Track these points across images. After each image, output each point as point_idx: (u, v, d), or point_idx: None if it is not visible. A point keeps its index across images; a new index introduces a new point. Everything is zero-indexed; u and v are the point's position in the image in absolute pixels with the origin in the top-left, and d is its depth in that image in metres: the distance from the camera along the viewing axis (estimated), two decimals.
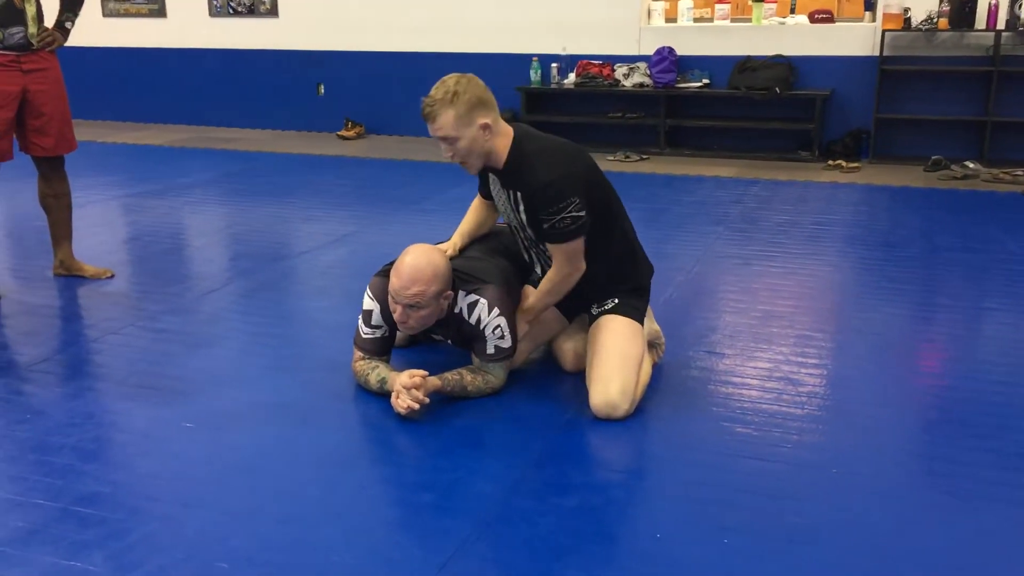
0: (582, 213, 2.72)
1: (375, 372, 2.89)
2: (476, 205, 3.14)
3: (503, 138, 2.76)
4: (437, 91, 2.68)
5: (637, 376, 2.81)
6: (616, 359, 2.78)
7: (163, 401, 2.93)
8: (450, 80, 2.69)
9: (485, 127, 2.69)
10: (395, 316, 2.74)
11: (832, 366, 3.20)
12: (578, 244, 2.79)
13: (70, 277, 4.23)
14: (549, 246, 2.82)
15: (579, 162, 2.81)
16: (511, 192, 2.83)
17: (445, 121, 2.67)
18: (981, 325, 3.68)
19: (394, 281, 2.70)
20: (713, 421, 2.76)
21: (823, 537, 2.18)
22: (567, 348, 3.10)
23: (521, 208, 2.83)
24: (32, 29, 3.85)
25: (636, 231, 3.08)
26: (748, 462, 2.52)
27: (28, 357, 3.33)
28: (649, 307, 3.17)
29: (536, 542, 2.17)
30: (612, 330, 2.86)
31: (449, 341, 2.98)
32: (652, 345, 3.13)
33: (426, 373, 2.74)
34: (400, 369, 2.89)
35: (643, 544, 2.16)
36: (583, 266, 2.85)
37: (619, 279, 2.94)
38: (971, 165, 6.51)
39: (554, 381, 3.07)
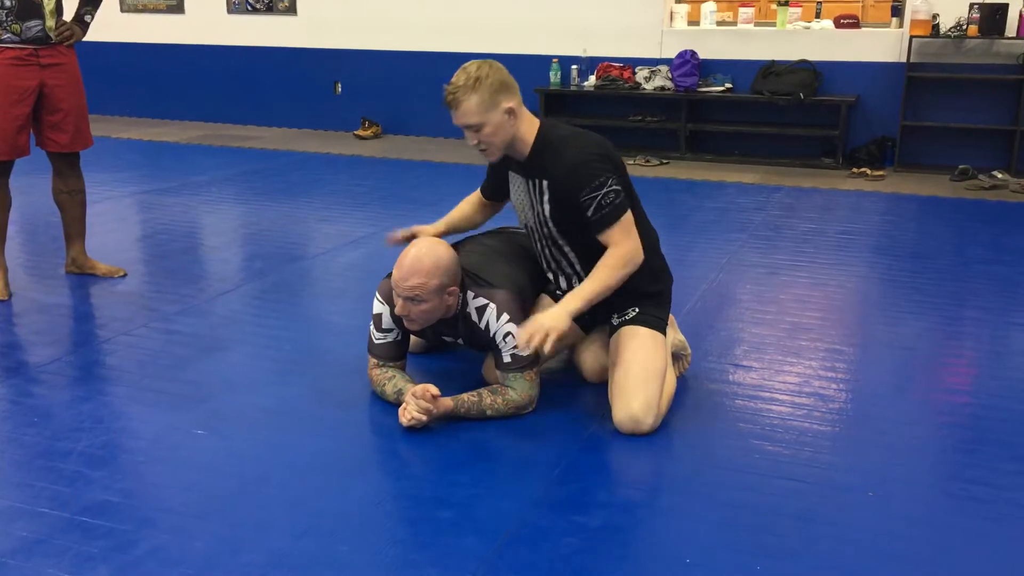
0: (620, 188, 2.65)
1: (391, 382, 2.81)
2: (470, 200, 3.07)
3: (528, 124, 2.71)
4: (459, 77, 2.61)
5: (661, 389, 2.71)
6: (639, 373, 2.69)
7: (174, 406, 2.85)
8: (471, 66, 2.63)
9: (510, 111, 2.65)
10: (396, 309, 2.66)
11: (863, 382, 3.10)
12: (629, 219, 2.68)
13: (82, 275, 4.17)
14: (602, 237, 2.67)
15: (609, 149, 2.76)
16: (535, 182, 2.74)
17: (468, 107, 2.60)
18: (1016, 341, 3.56)
19: (395, 272, 2.64)
20: (742, 439, 2.66)
21: (861, 564, 2.08)
22: (588, 359, 3.01)
23: (545, 199, 2.73)
24: (50, 23, 3.79)
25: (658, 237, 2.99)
26: (780, 483, 2.42)
27: (38, 358, 3.26)
28: (673, 317, 3.08)
29: (559, 563, 2.08)
30: (634, 342, 2.76)
31: (460, 341, 2.89)
32: (677, 356, 3.04)
33: (438, 392, 2.65)
34: (418, 379, 2.81)
35: (672, 569, 2.06)
36: (640, 247, 2.69)
37: (639, 286, 2.83)
38: (999, 175, 6.38)
39: (575, 393, 2.98)
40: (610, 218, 2.65)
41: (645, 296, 2.84)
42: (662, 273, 2.94)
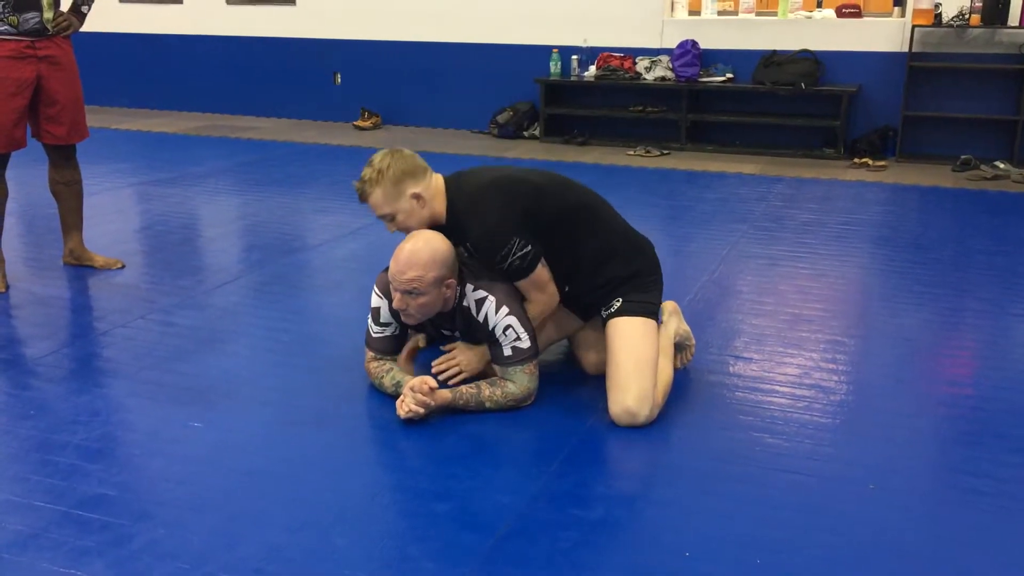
0: (527, 249, 2.67)
1: (390, 375, 2.80)
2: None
3: (439, 199, 2.75)
4: (365, 171, 2.71)
5: (654, 378, 2.69)
6: (629, 364, 2.67)
7: (171, 399, 2.84)
8: (375, 159, 2.72)
9: (416, 197, 2.70)
10: (394, 303, 2.64)
11: (864, 373, 3.08)
12: (538, 275, 2.74)
13: (80, 267, 4.15)
14: (518, 286, 2.79)
15: (512, 197, 2.71)
16: (463, 247, 2.78)
17: (376, 200, 2.69)
18: (1017, 332, 3.54)
19: (392, 266, 2.62)
20: (742, 431, 2.65)
21: (862, 559, 2.06)
22: (588, 353, 3.00)
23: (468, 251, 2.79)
24: (48, 15, 3.77)
25: (658, 227, 2.97)
26: (781, 475, 2.40)
27: (35, 350, 3.24)
28: (677, 306, 3.05)
29: (558, 557, 2.06)
30: (622, 333, 2.74)
31: (457, 334, 2.87)
32: (681, 347, 3.02)
33: (436, 384, 2.65)
34: (417, 372, 2.79)
35: (671, 562, 2.05)
36: (555, 290, 2.81)
37: (615, 274, 2.81)
38: (1001, 165, 6.35)
39: (574, 385, 2.97)
40: (518, 276, 2.73)
41: (624, 282, 2.81)
42: (636, 253, 2.88)
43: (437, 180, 2.77)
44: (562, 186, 2.85)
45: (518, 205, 2.71)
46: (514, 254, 2.66)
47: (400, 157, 2.71)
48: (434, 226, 2.76)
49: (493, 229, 2.66)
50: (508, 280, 2.75)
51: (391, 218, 2.72)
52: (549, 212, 2.75)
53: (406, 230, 2.74)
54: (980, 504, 2.29)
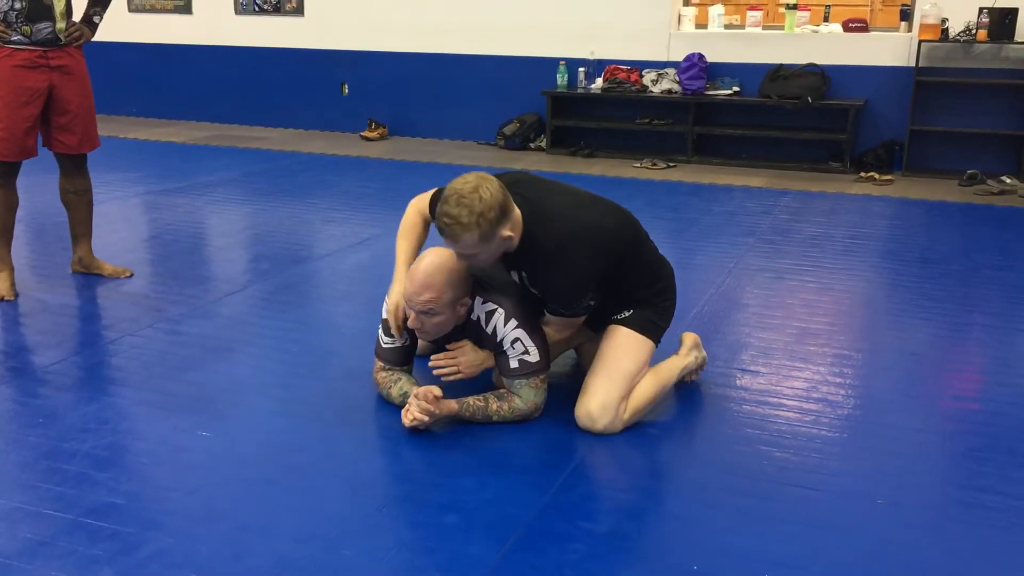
0: (592, 302, 2.75)
1: (397, 385, 2.81)
2: (414, 224, 2.87)
3: (518, 234, 2.59)
4: (461, 212, 2.40)
5: (625, 392, 2.69)
6: (606, 372, 2.71)
7: (180, 408, 2.85)
8: (471, 196, 2.41)
9: (507, 238, 2.52)
10: (409, 322, 2.65)
11: (871, 388, 3.08)
12: (581, 319, 2.85)
13: (88, 275, 4.17)
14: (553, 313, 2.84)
15: (599, 254, 2.60)
16: (516, 272, 2.72)
17: (469, 241, 2.45)
18: None
19: (407, 287, 2.62)
20: (750, 444, 2.65)
21: (869, 573, 2.06)
22: None
23: (526, 283, 2.73)
24: (60, 24, 3.79)
25: (664, 240, 2.99)
26: (789, 489, 2.40)
27: (43, 358, 3.25)
28: (698, 340, 3.05)
29: (566, 569, 2.06)
30: (614, 342, 2.77)
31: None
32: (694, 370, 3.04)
33: (440, 394, 2.64)
34: (424, 382, 2.79)
35: None
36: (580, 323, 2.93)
37: (640, 299, 2.81)
38: (1008, 180, 6.35)
39: None
40: (565, 316, 2.82)
41: (645, 300, 2.82)
42: (662, 277, 2.88)
43: (517, 213, 2.56)
44: (624, 222, 2.75)
45: (602, 262, 2.63)
46: (580, 305, 2.73)
47: (494, 191, 2.45)
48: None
49: (577, 285, 2.64)
50: (551, 312, 2.82)
51: (472, 257, 2.53)
52: (620, 258, 2.70)
53: (476, 264, 2.62)
54: (989, 519, 2.28)
